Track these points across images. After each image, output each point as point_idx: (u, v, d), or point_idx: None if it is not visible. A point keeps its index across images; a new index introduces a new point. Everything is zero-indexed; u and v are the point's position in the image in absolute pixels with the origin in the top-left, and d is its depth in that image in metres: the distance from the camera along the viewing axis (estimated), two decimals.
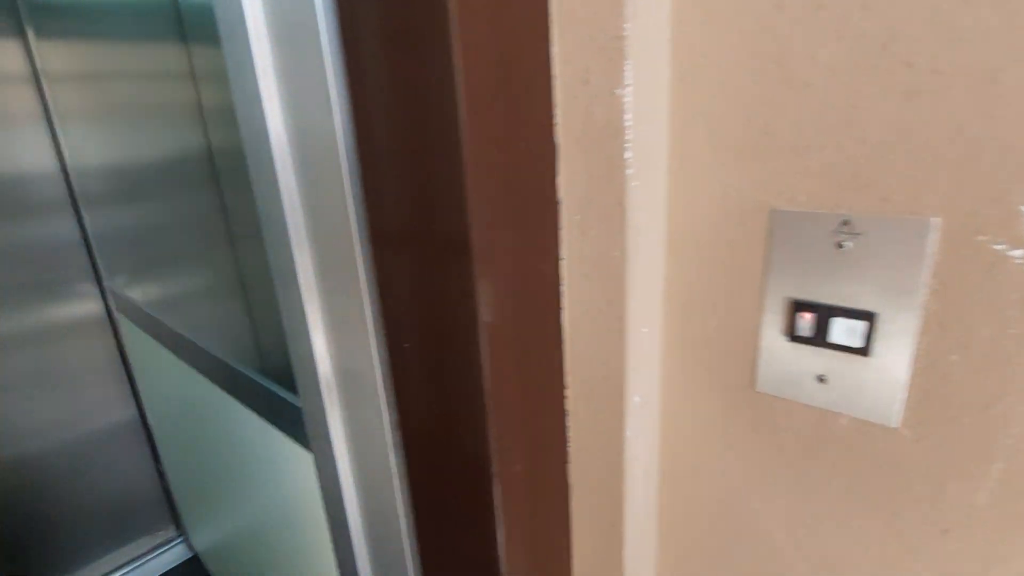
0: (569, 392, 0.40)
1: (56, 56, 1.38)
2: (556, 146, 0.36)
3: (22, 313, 1.42)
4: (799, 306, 0.33)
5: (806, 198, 0.31)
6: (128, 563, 1.68)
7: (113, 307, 1.54)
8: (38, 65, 1.40)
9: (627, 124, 0.32)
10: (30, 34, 1.39)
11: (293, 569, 0.87)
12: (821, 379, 0.33)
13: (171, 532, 1.78)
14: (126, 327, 1.50)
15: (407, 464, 0.47)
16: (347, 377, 0.50)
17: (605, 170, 0.33)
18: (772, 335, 0.34)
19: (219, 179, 1.57)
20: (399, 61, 0.33)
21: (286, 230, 0.48)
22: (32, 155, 1.41)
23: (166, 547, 1.74)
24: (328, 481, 0.57)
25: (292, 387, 0.67)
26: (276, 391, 0.66)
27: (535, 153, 0.35)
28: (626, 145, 0.32)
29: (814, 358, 0.33)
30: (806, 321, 0.32)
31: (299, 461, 0.66)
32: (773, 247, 0.33)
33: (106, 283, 1.53)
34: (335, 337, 0.50)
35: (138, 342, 1.43)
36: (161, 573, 1.65)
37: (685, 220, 0.36)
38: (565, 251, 0.37)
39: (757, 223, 0.33)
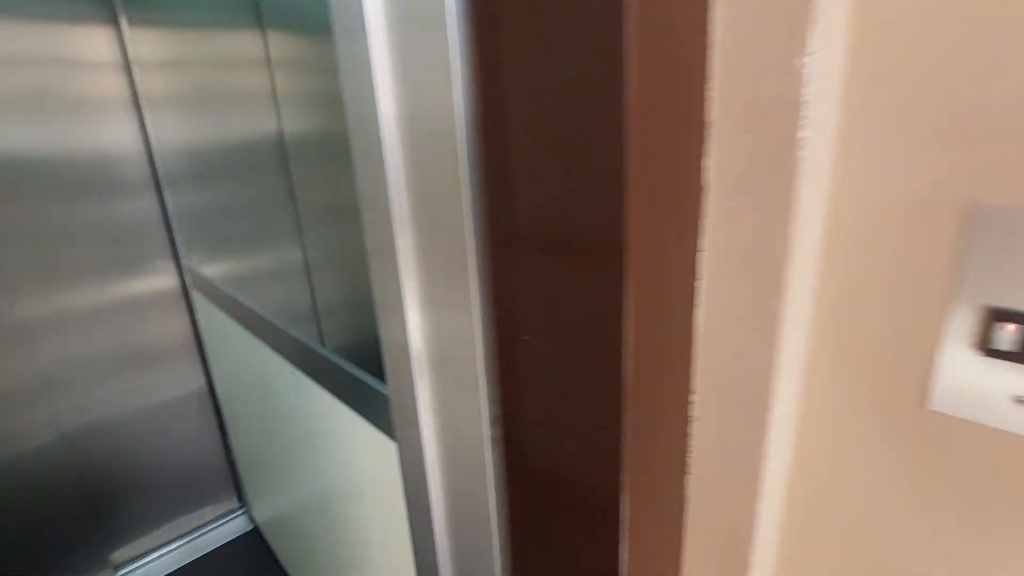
0: (696, 397, 0.37)
1: (145, 43, 1.43)
2: (706, 124, 0.32)
3: (105, 286, 1.49)
4: (1000, 315, 0.28)
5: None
6: (192, 531, 1.75)
7: (189, 283, 1.60)
8: (129, 52, 1.46)
9: (805, 99, 0.28)
10: (123, 23, 1.45)
11: (361, 554, 0.87)
12: (1021, 400, 0.28)
13: (233, 503, 1.85)
14: (200, 303, 1.55)
15: (506, 463, 0.44)
16: (443, 367, 0.48)
17: (771, 151, 0.30)
18: (958, 347, 0.30)
19: (290, 163, 1.60)
20: (547, 30, 0.30)
21: (389, 211, 0.46)
22: (121, 138, 1.48)
23: (228, 518, 1.81)
24: (412, 473, 0.56)
25: (372, 371, 0.66)
26: (359, 376, 0.66)
27: (683, 132, 0.32)
28: (801, 123, 0.28)
29: (1014, 376, 0.28)
30: (1008, 333, 0.28)
31: (380, 448, 0.65)
32: (971, 247, 0.28)
33: (183, 260, 1.59)
34: (433, 324, 0.48)
35: (211, 318, 1.48)
36: (223, 543, 1.72)
37: (852, 211, 0.32)
38: (707, 242, 0.34)
39: (949, 218, 0.29)
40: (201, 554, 1.67)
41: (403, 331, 0.50)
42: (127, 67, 1.48)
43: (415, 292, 0.48)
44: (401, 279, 0.48)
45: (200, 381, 1.70)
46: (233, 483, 1.84)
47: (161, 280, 1.60)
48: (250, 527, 1.77)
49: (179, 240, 1.57)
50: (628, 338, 0.29)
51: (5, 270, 1.34)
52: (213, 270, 1.51)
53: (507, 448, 0.44)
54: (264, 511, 1.63)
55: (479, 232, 0.40)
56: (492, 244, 0.38)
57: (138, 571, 1.63)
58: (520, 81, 0.32)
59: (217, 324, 1.44)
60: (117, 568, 1.63)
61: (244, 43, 1.48)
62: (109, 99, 1.45)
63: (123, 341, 1.54)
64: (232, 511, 1.83)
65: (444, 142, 0.39)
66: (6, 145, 1.31)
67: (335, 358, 0.72)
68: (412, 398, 0.52)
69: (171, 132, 1.47)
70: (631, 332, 0.29)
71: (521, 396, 0.39)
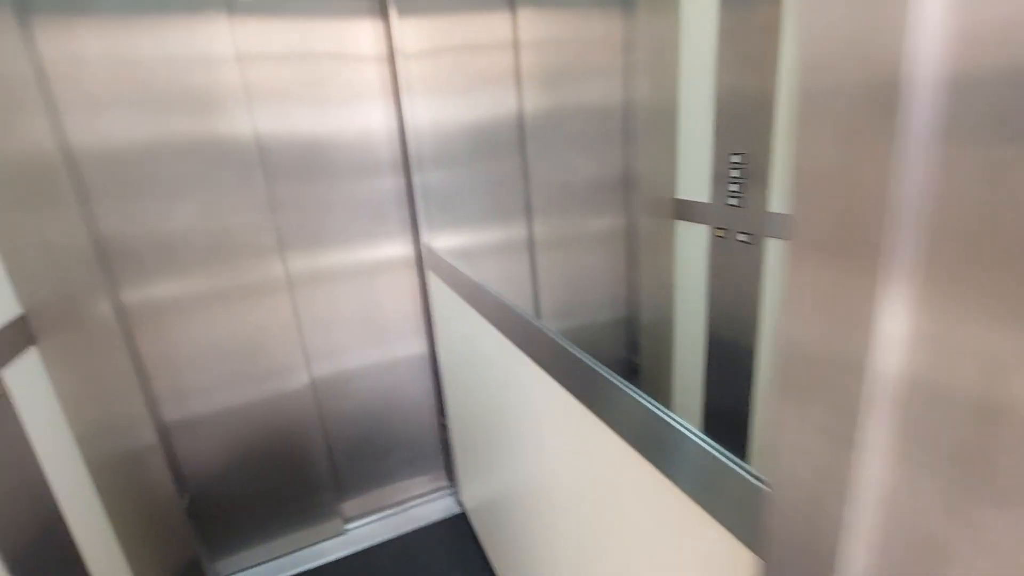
0: None
1: (410, 32, 1.43)
2: None
3: (354, 252, 1.59)
4: None
5: None
6: (408, 499, 1.81)
7: (425, 258, 1.61)
8: (395, 42, 1.48)
9: None
10: (392, 14, 1.47)
11: None
12: None
13: (443, 481, 1.87)
14: (432, 279, 1.55)
15: None
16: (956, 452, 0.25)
17: None
18: None
19: (526, 146, 1.50)
20: None
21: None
22: (380, 122, 1.53)
23: (438, 494, 1.83)
24: None
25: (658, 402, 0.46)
26: (671, 419, 0.46)
27: None
28: None
29: None
30: None
31: (708, 542, 0.45)
32: None
33: (422, 237, 1.60)
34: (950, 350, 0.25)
35: (442, 294, 1.46)
36: (433, 521, 1.73)
37: None
38: None
39: None
40: (414, 527, 1.70)
41: (861, 356, 0.28)
42: (391, 56, 1.51)
43: (910, 284, 0.26)
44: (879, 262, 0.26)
45: (425, 350, 1.73)
46: (444, 461, 1.85)
47: (400, 250, 1.65)
48: (458, 510, 1.76)
49: (420, 216, 1.59)
50: None
51: (280, 233, 1.48)
52: (450, 246, 1.49)
53: None
54: (473, 499, 1.59)
55: None
56: None
57: (362, 528, 1.73)
58: None
59: (448, 302, 1.41)
60: (347, 521, 1.74)
61: (499, 26, 1.40)
62: (373, 86, 1.50)
63: (364, 302, 1.63)
64: (441, 488, 1.85)
65: None
66: (286, 128, 1.43)
67: (623, 384, 0.53)
68: (840, 497, 0.30)
69: (422, 115, 1.47)
70: None
71: None
